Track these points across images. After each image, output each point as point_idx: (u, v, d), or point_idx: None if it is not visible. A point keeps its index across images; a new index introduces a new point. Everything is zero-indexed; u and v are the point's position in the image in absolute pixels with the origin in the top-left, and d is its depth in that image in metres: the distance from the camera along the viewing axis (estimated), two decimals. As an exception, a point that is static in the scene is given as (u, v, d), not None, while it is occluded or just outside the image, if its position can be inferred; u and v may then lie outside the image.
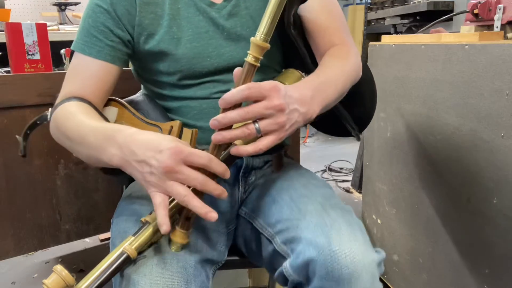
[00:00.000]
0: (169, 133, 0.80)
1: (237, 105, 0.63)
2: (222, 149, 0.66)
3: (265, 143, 0.63)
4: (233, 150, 0.64)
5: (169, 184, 0.62)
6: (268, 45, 0.63)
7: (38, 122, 0.92)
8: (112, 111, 0.84)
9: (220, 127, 0.63)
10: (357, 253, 0.66)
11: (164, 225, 0.61)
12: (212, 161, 0.62)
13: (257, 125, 0.62)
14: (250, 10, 0.86)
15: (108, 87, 0.83)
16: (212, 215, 0.62)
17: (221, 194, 0.64)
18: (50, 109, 0.82)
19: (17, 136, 0.96)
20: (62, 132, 0.76)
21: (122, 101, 0.87)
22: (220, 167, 0.63)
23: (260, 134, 0.63)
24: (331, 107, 0.80)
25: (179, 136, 0.81)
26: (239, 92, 0.61)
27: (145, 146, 0.63)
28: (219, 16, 0.84)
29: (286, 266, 0.70)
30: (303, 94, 0.67)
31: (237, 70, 0.65)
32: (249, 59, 0.63)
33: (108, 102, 0.86)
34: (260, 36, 0.63)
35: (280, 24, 0.64)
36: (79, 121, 0.73)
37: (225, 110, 0.63)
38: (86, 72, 0.81)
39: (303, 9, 0.86)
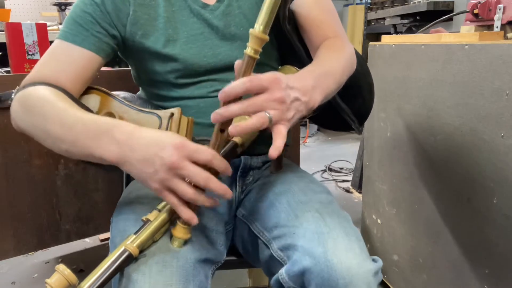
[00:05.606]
0: (169, 120, 0.78)
1: (237, 98, 0.62)
2: (222, 145, 0.66)
3: (282, 136, 0.62)
4: (271, 152, 0.61)
5: (175, 183, 0.61)
6: (267, 37, 0.63)
7: (2, 99, 0.83)
8: (93, 99, 0.78)
9: (222, 120, 0.63)
10: (353, 263, 0.66)
11: (194, 218, 0.64)
12: (216, 157, 0.62)
13: (268, 114, 0.60)
14: (243, 9, 0.87)
15: (88, 77, 0.79)
16: (216, 200, 0.65)
17: (225, 192, 0.64)
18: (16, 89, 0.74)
19: None
20: (35, 119, 0.70)
21: (105, 89, 0.81)
22: (222, 164, 0.63)
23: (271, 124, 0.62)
24: (330, 99, 0.80)
25: (179, 123, 0.80)
26: (239, 85, 0.60)
27: (147, 144, 0.62)
28: (212, 17, 0.85)
29: (282, 273, 0.70)
30: (305, 84, 0.67)
31: (237, 62, 0.64)
32: (249, 51, 0.62)
33: (87, 90, 0.81)
34: (259, 27, 0.62)
35: (274, 19, 0.64)
36: (61, 110, 0.69)
37: (225, 103, 0.62)
38: (66, 58, 0.77)
39: (295, 4, 0.87)
